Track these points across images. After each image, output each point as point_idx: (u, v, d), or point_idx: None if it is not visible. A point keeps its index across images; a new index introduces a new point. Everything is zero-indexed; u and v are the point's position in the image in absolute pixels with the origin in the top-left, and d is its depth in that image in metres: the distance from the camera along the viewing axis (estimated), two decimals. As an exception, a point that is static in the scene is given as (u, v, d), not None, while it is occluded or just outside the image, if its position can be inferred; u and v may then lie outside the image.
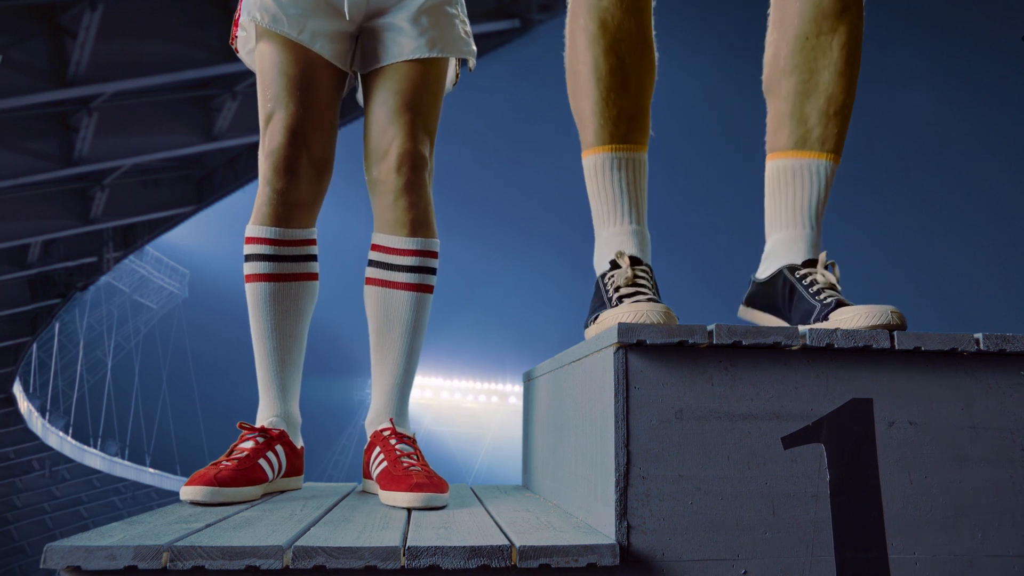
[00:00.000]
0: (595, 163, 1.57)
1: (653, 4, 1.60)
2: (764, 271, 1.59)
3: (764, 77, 1.62)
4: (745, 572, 1.17)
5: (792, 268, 1.52)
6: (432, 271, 1.78)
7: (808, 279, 1.48)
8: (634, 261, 1.52)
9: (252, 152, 14.52)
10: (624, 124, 1.55)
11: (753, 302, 1.59)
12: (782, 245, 1.56)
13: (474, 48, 1.87)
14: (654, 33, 1.59)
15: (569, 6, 1.61)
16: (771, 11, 1.61)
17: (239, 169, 14.97)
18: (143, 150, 13.47)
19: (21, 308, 16.53)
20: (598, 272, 1.57)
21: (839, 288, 1.47)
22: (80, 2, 10.18)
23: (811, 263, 1.52)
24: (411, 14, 1.77)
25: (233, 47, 1.91)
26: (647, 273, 1.52)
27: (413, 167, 1.73)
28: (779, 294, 1.51)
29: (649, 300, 1.42)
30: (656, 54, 1.59)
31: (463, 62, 1.91)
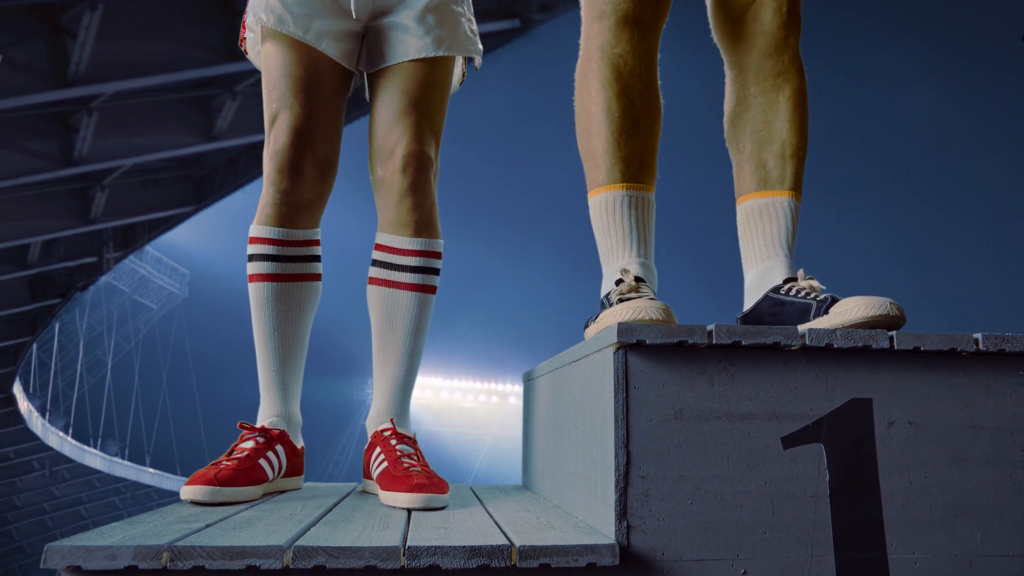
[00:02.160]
0: (605, 201, 1.61)
1: (659, 56, 1.69)
2: (748, 303, 1.63)
3: (725, 134, 1.75)
4: (745, 572, 1.17)
5: (775, 289, 1.57)
6: (435, 272, 1.78)
7: (793, 289, 1.53)
8: (638, 280, 1.53)
9: (252, 152, 14.53)
10: (635, 164, 1.61)
11: None
12: (760, 277, 1.63)
13: (480, 47, 1.87)
14: (660, 83, 1.67)
15: (582, 50, 1.68)
16: (726, 80, 1.75)
17: (239, 169, 14.97)
18: (143, 150, 13.47)
19: (21, 308, 16.53)
20: (603, 295, 1.58)
21: (824, 288, 1.50)
22: (80, 2, 10.18)
23: (791, 279, 1.57)
24: (417, 13, 1.76)
25: (243, 49, 1.91)
26: (650, 289, 1.54)
27: (418, 168, 1.73)
28: (768, 314, 1.54)
29: (648, 298, 1.43)
30: (663, 100, 1.67)
31: (469, 61, 1.90)
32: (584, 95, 1.65)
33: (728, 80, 1.75)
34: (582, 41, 1.68)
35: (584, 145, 1.66)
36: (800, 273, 1.56)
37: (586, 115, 1.64)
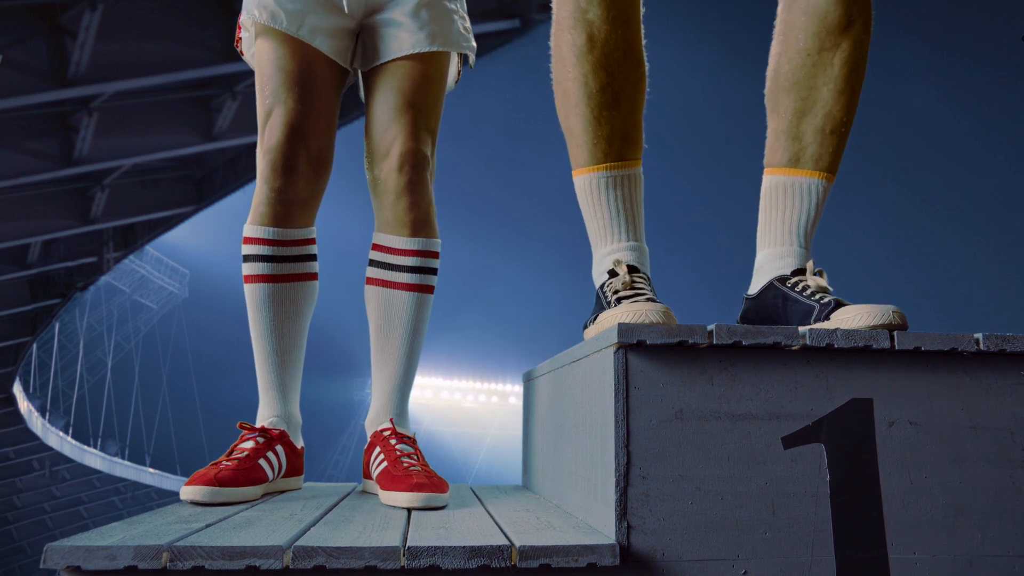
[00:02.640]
0: (588, 182, 1.55)
1: (643, 12, 1.57)
2: (754, 286, 1.60)
3: (766, 91, 1.60)
4: (745, 572, 1.17)
5: (782, 279, 1.52)
6: (433, 271, 1.78)
7: (800, 285, 1.49)
8: (631, 269, 1.51)
9: (252, 152, 14.45)
10: (617, 141, 1.52)
11: (747, 318, 1.59)
12: (771, 260, 1.58)
13: (474, 44, 1.87)
14: (644, 43, 1.56)
15: (554, 17, 1.56)
16: (776, 23, 1.59)
17: (239, 169, 14.97)
18: (143, 150, 13.47)
19: (21, 308, 16.53)
20: (596, 284, 1.57)
21: (831, 290, 1.47)
22: (80, 2, 10.18)
23: (799, 272, 1.53)
24: (410, 9, 1.76)
25: (239, 50, 1.90)
26: (645, 280, 1.52)
27: (415, 166, 1.73)
28: (771, 305, 1.51)
29: (648, 300, 1.42)
30: (647, 65, 1.56)
31: (464, 59, 1.90)
32: (560, 68, 1.54)
33: (778, 25, 1.57)
34: (554, 6, 1.56)
35: (564, 122, 1.57)
36: (810, 265, 1.51)
37: (563, 91, 1.55)
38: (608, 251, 1.56)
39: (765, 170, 1.61)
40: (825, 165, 1.55)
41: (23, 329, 17.63)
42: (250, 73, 1.89)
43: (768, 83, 1.59)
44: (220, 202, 15.92)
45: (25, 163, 12.47)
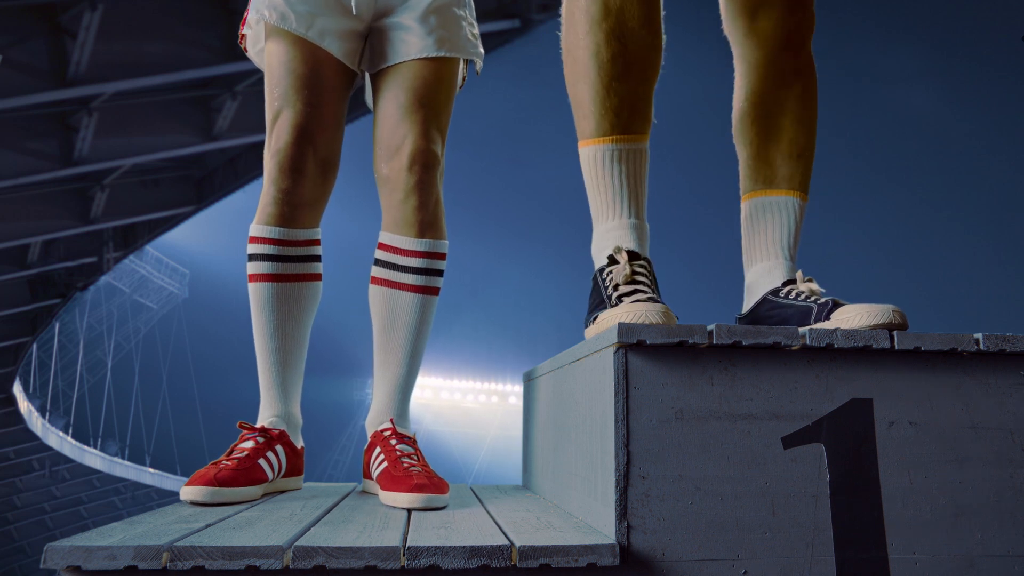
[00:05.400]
0: (594, 154, 1.54)
1: None
2: (747, 305, 1.62)
3: (733, 130, 1.72)
4: (745, 572, 1.17)
5: (774, 291, 1.55)
6: (439, 273, 1.77)
7: (792, 292, 1.52)
8: (632, 256, 1.51)
9: (252, 152, 14.52)
10: (625, 113, 1.52)
11: None
12: (760, 276, 1.62)
13: (481, 50, 1.87)
14: (663, 14, 1.55)
15: None
16: (736, 72, 1.72)
17: (239, 169, 14.97)
18: (143, 150, 13.46)
19: (21, 308, 16.52)
20: (596, 265, 1.56)
21: (824, 291, 1.49)
22: (80, 2, 10.18)
23: (790, 282, 1.56)
24: (419, 13, 1.76)
25: (242, 46, 1.90)
26: (645, 268, 1.51)
27: (425, 166, 1.72)
28: (765, 318, 1.53)
29: (648, 299, 1.42)
30: (664, 37, 1.56)
31: (470, 64, 1.90)
32: (571, 34, 1.53)
33: (737, 75, 1.72)
34: None
35: (571, 91, 1.56)
36: (799, 275, 1.54)
37: (572, 59, 1.54)
38: (609, 227, 1.55)
39: (742, 199, 1.70)
40: (797, 184, 1.65)
41: (23, 329, 17.63)
42: (251, 73, 1.89)
43: (734, 121, 1.72)
44: (220, 202, 15.92)
45: (25, 163, 12.47)
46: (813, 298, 1.45)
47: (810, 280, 1.53)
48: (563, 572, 1.10)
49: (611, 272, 1.50)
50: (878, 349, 1.23)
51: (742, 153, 1.71)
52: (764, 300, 1.56)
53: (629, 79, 1.51)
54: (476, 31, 1.87)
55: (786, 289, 1.53)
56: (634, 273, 1.48)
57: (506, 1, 12.69)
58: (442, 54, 1.77)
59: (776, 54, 1.65)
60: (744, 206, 1.68)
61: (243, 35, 1.87)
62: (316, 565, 1.05)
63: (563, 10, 1.57)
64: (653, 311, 1.30)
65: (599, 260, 1.55)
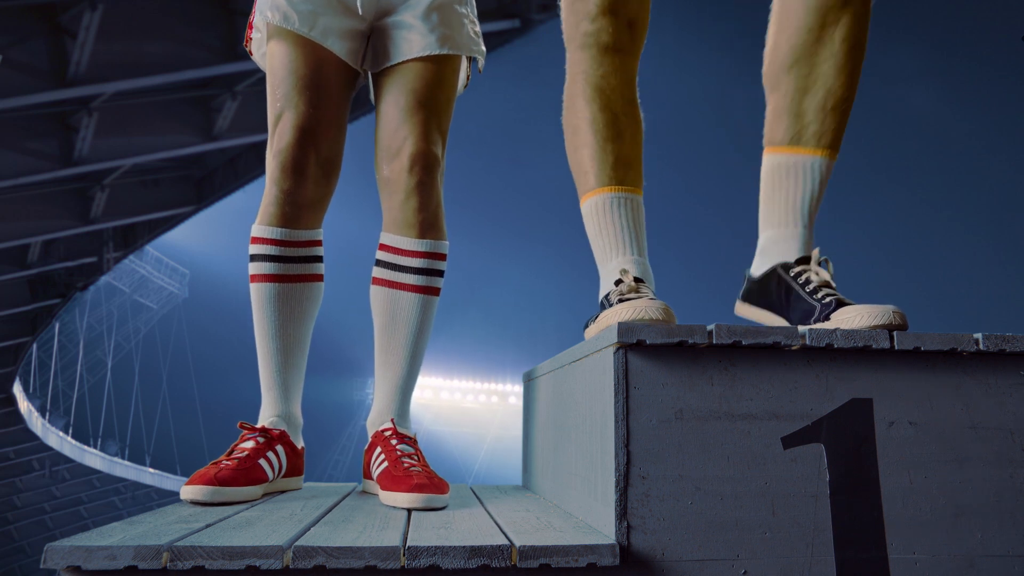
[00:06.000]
0: (597, 203, 1.61)
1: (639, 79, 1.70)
2: (758, 268, 1.59)
3: (764, 71, 1.60)
4: (745, 572, 1.17)
5: (786, 267, 1.52)
6: (440, 273, 1.77)
7: (803, 277, 1.48)
8: (637, 280, 1.52)
9: (252, 152, 14.52)
10: (622, 169, 1.61)
11: (749, 298, 1.60)
12: (775, 243, 1.57)
13: (483, 48, 1.87)
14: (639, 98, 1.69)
15: (567, 74, 1.69)
16: (774, 3, 1.60)
17: (239, 169, 14.96)
18: (143, 150, 13.46)
19: (21, 308, 16.52)
20: (602, 296, 1.57)
21: (834, 285, 1.47)
22: (80, 2, 10.17)
23: (804, 260, 1.52)
24: (421, 11, 1.77)
25: (248, 50, 1.90)
26: (649, 289, 1.53)
27: (425, 167, 1.73)
28: (774, 292, 1.52)
29: (649, 298, 1.42)
30: (642, 114, 1.69)
31: (473, 63, 1.90)
32: (570, 112, 1.67)
33: (776, 4, 1.58)
34: (567, 67, 1.70)
35: (572, 158, 1.67)
36: (815, 254, 1.50)
37: (573, 130, 1.66)
38: (615, 265, 1.58)
39: (765, 149, 1.60)
40: (827, 143, 1.54)
41: (23, 329, 17.63)
42: (251, 73, 1.90)
43: (766, 63, 1.59)
44: (220, 202, 15.92)
45: (25, 163, 12.46)
46: (820, 295, 1.43)
47: (825, 262, 1.49)
48: (563, 572, 1.10)
49: (616, 289, 1.51)
50: (878, 349, 1.23)
51: (772, 100, 1.59)
52: (774, 272, 1.53)
53: (623, 141, 1.63)
54: (478, 29, 1.88)
55: (798, 269, 1.50)
56: (638, 288, 1.49)
57: (506, 1, 12.69)
58: (444, 51, 1.77)
59: None
60: (767, 159, 1.59)
61: (249, 39, 1.87)
62: (316, 565, 1.05)
63: (565, 95, 1.70)
64: (652, 307, 1.30)
65: (605, 291, 1.57)
